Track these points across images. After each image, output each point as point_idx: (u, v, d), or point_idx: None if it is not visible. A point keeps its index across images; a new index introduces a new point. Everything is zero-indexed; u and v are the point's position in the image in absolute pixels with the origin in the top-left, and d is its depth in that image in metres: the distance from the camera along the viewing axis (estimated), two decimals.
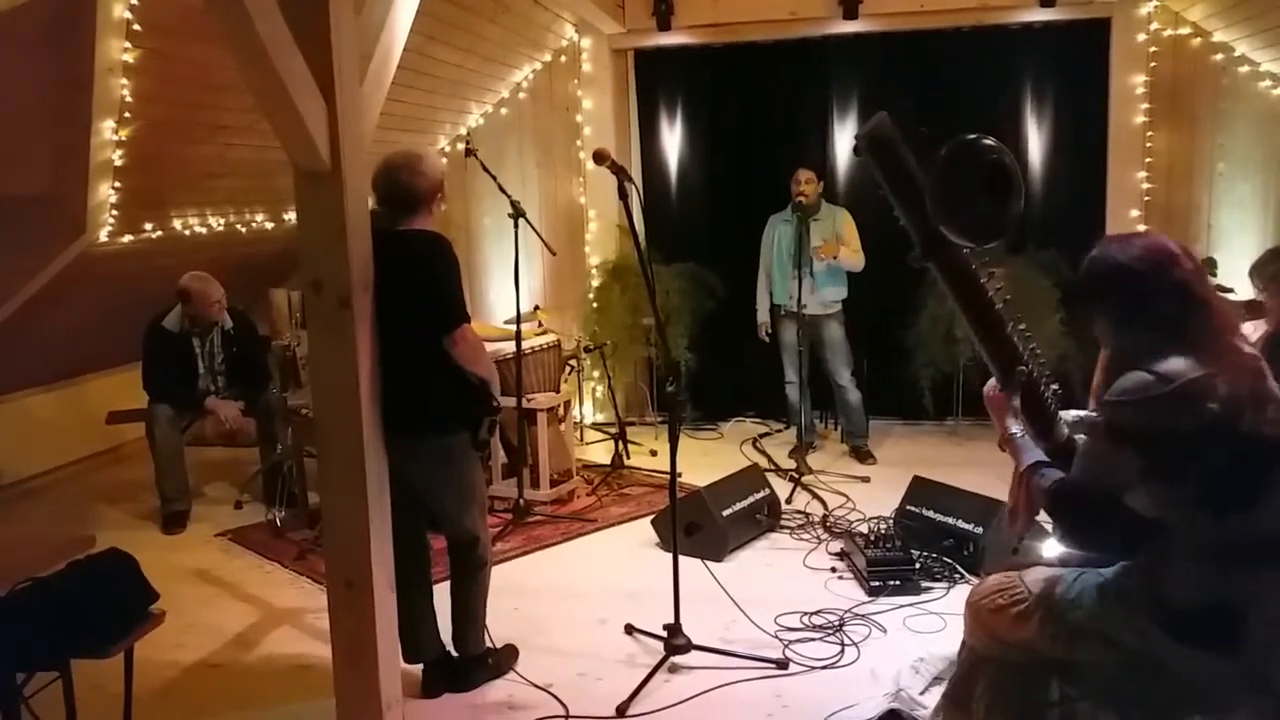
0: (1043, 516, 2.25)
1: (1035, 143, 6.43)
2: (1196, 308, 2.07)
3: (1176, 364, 1.99)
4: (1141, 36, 6.09)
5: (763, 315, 6.11)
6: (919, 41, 6.32)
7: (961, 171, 2.13)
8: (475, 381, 3.05)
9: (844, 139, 6.70)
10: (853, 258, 5.76)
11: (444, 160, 6.59)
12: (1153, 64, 6.12)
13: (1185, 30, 6.05)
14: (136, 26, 3.71)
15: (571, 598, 4.11)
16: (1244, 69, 5.95)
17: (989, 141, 2.18)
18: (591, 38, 6.70)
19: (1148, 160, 6.22)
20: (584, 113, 6.80)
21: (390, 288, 2.82)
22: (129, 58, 3.83)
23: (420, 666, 3.35)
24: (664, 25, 6.45)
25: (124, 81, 3.92)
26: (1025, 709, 2.33)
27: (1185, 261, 2.09)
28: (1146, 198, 6.20)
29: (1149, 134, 6.19)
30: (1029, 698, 2.33)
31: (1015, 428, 2.30)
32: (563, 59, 6.82)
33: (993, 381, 2.35)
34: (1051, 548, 2.72)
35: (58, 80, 3.79)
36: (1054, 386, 2.37)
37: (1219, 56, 6.00)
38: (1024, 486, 2.21)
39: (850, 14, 6.20)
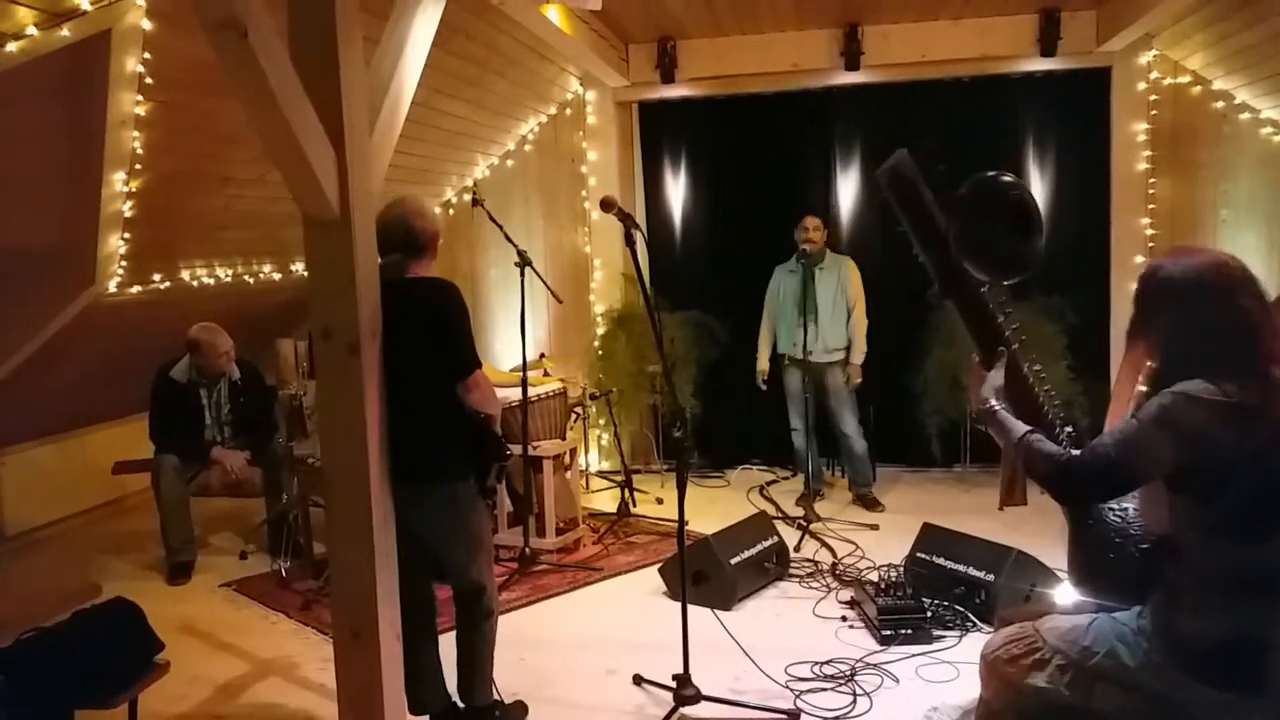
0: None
1: (1038, 191, 6.44)
2: (1258, 333, 2.05)
3: (1229, 387, 1.99)
4: (1142, 85, 6.16)
5: (762, 364, 6.13)
6: (921, 92, 6.39)
7: (984, 209, 2.13)
8: (481, 424, 3.05)
9: (846, 189, 6.76)
10: (859, 327, 5.86)
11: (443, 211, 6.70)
12: (1153, 112, 6.18)
13: (1185, 79, 6.12)
14: (149, 80, 3.77)
15: (579, 648, 4.06)
16: (1245, 116, 6.00)
17: (1008, 178, 2.19)
18: (596, 91, 6.80)
19: (1150, 207, 6.25)
20: (589, 164, 6.87)
21: (401, 335, 2.83)
22: (141, 110, 3.88)
23: (426, 718, 3.30)
24: (668, 78, 6.54)
25: (135, 134, 3.96)
26: None
27: (1253, 287, 2.08)
28: (1150, 244, 6.22)
29: (1151, 181, 6.24)
30: None
31: (994, 401, 2.27)
32: (568, 111, 6.91)
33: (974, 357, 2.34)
34: (1065, 595, 2.68)
35: (70, 132, 3.84)
36: (1068, 429, 2.34)
37: (1219, 104, 6.06)
38: (1021, 453, 2.17)
39: (852, 65, 6.28)
